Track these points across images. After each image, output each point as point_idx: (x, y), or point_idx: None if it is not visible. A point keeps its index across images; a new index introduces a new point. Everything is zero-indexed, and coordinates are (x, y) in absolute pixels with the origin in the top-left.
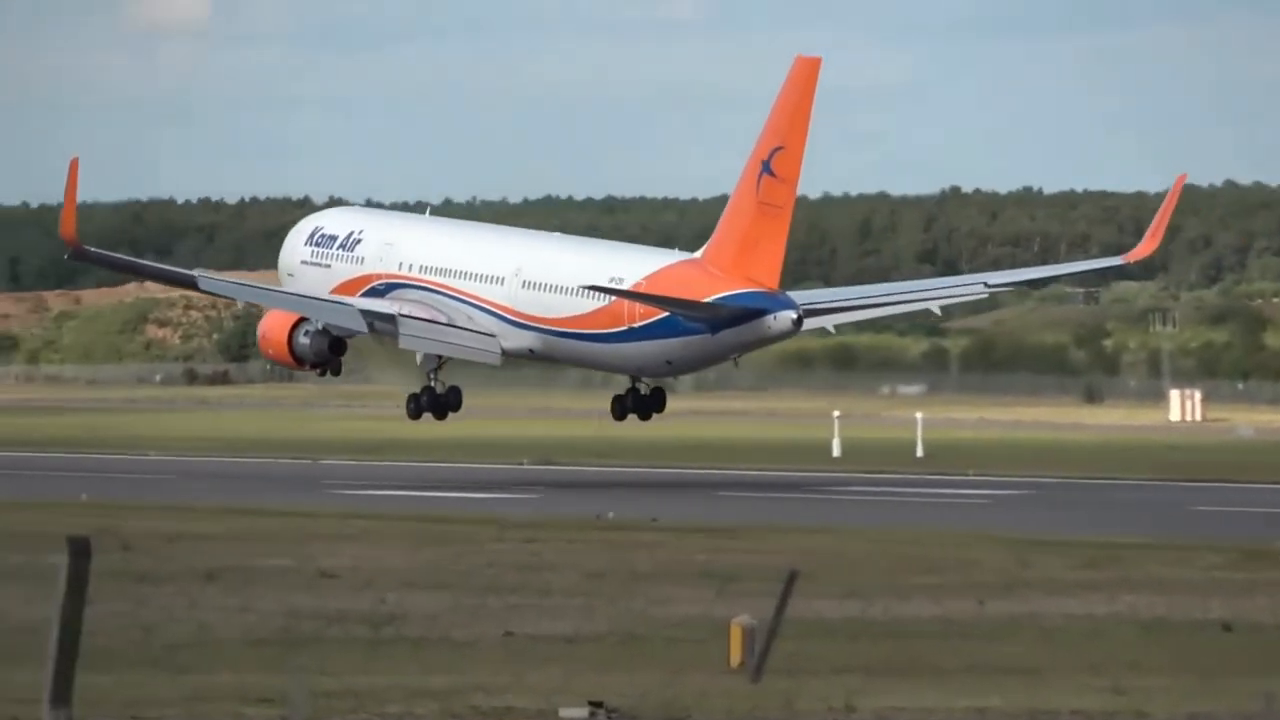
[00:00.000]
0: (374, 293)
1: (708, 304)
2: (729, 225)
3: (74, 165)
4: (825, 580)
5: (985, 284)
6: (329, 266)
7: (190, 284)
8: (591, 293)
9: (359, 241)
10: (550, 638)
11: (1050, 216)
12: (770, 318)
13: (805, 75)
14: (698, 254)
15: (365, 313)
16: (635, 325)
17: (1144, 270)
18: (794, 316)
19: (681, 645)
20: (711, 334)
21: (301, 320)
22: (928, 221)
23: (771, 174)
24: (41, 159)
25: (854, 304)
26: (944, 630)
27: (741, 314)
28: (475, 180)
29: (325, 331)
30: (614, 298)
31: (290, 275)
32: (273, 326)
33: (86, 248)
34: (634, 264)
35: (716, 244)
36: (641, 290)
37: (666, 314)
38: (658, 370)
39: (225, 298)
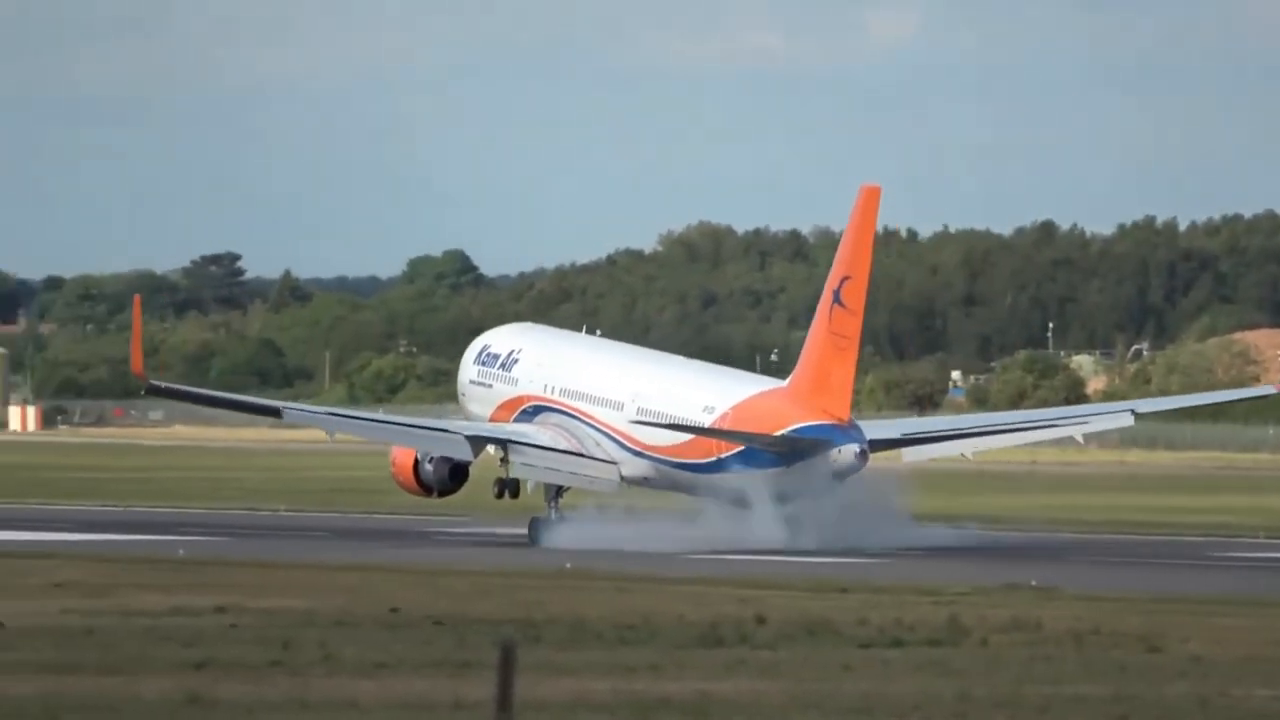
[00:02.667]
0: (525, 415)
1: (753, 435)
2: (807, 355)
3: (138, 303)
4: None
5: (1134, 411)
6: (491, 386)
7: (274, 414)
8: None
9: (516, 361)
10: None
11: None
12: (836, 450)
13: (868, 204)
14: (784, 382)
15: (474, 439)
16: (722, 456)
17: None
18: (857, 449)
19: None
20: (786, 467)
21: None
22: None
23: (841, 304)
24: None
25: (997, 429)
26: None
27: (809, 446)
28: None
29: (447, 459)
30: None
31: (463, 395)
32: (400, 452)
33: (158, 383)
34: (727, 393)
35: (798, 373)
36: (727, 420)
37: (744, 446)
38: (743, 502)
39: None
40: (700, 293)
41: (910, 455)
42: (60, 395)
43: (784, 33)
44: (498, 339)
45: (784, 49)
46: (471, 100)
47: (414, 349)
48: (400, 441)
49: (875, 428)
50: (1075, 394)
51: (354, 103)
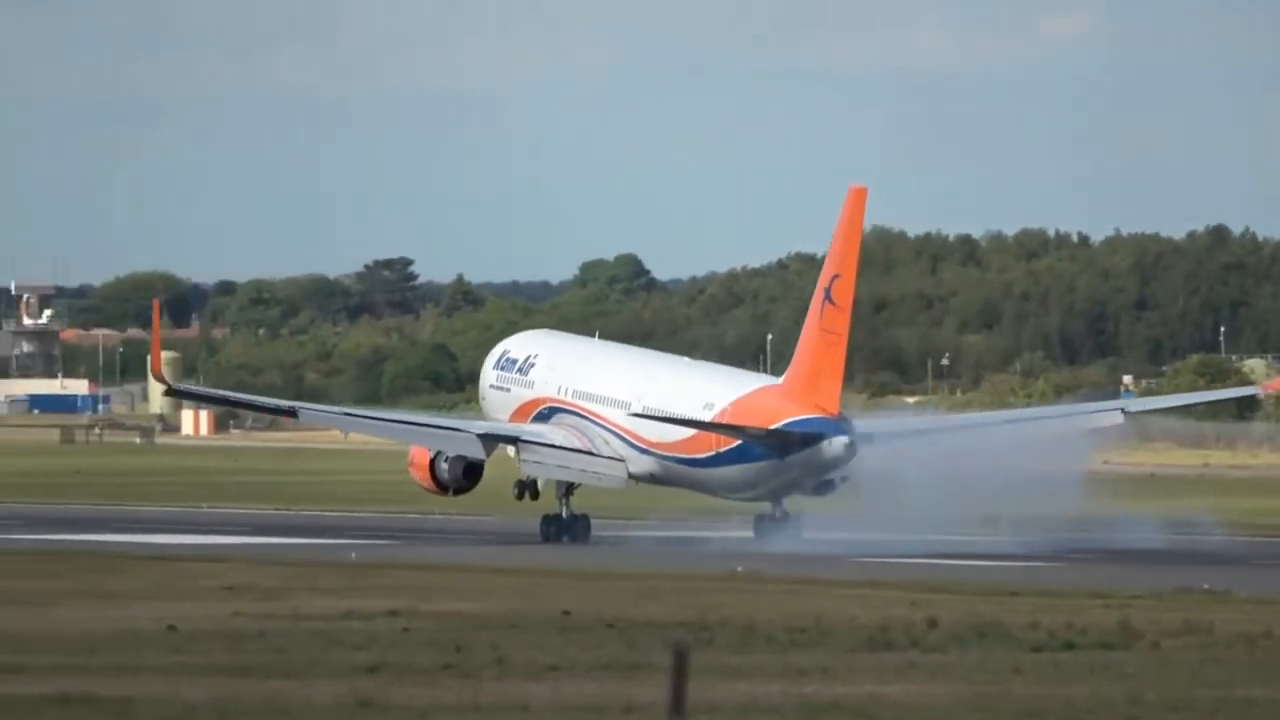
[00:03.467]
0: (540, 417)
1: (743, 429)
2: (800, 352)
3: (156, 307)
4: None
5: (1124, 410)
6: (508, 390)
7: (290, 415)
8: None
9: (532, 365)
10: None
11: None
12: (826, 443)
13: (856, 204)
14: (780, 379)
15: (485, 438)
16: (720, 450)
17: None
18: (846, 441)
19: None
20: (781, 459)
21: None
22: None
23: (831, 302)
24: None
25: (983, 427)
26: None
27: (803, 439)
28: None
29: (461, 458)
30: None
31: (484, 399)
32: (418, 452)
33: (178, 385)
34: (726, 390)
35: (792, 370)
36: (727, 416)
37: (741, 441)
38: (745, 493)
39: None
40: (871, 296)
41: (910, 453)
42: None
43: (952, 35)
44: (515, 345)
45: (953, 51)
46: (644, 103)
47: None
48: (414, 441)
49: (870, 424)
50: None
51: (527, 107)
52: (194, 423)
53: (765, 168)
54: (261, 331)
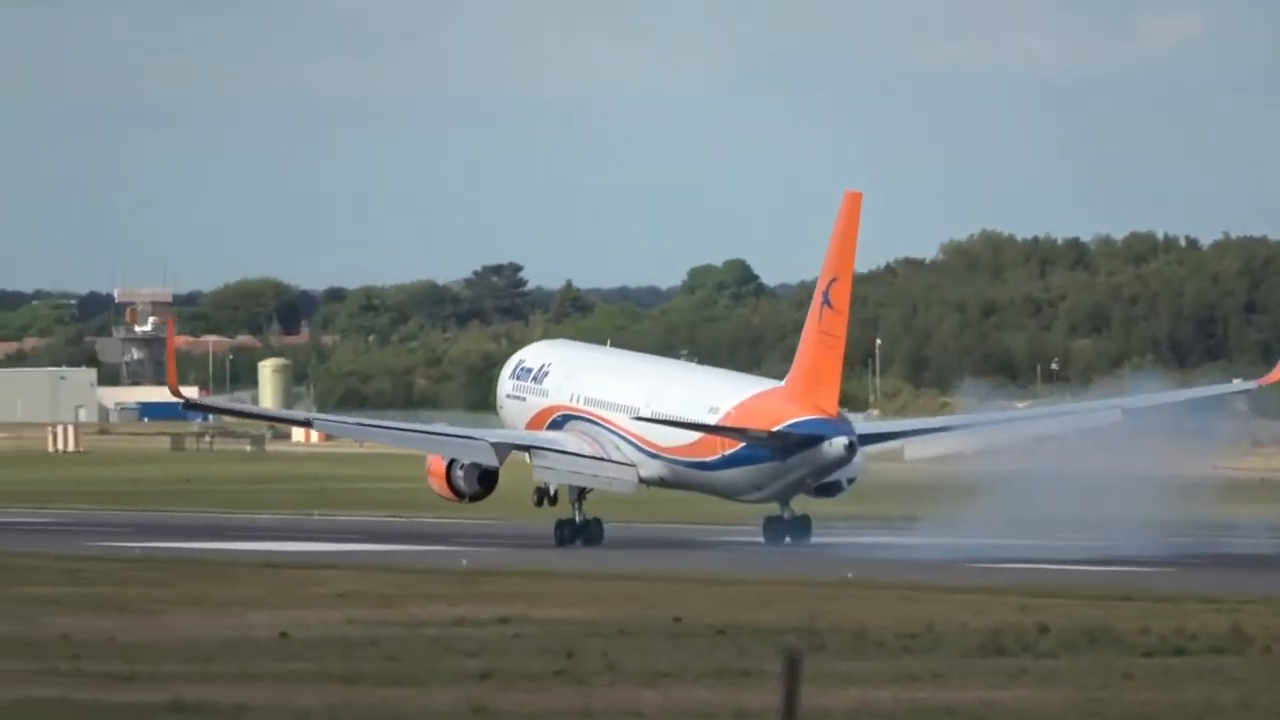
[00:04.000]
0: (555, 424)
1: (745, 431)
2: (800, 354)
3: (170, 324)
4: None
5: (1122, 409)
6: (524, 400)
7: (305, 425)
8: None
9: (547, 374)
10: None
11: None
12: (826, 443)
13: (851, 209)
14: (781, 382)
15: (498, 445)
16: (726, 453)
17: None
18: (846, 442)
19: None
20: (783, 460)
21: (457, 457)
22: None
23: (829, 305)
24: None
25: (979, 425)
26: None
27: (803, 440)
28: None
29: (476, 465)
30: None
31: (501, 408)
32: (435, 462)
33: (193, 399)
34: (730, 393)
35: (793, 373)
36: (730, 419)
37: (745, 443)
38: (753, 495)
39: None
40: (980, 301)
41: (912, 452)
42: (343, 406)
43: (1061, 39)
44: (530, 355)
45: (1059, 54)
46: (751, 108)
47: (695, 359)
48: (429, 449)
49: (871, 425)
50: None
51: (636, 113)
52: (304, 430)
53: (876, 173)
54: (371, 338)
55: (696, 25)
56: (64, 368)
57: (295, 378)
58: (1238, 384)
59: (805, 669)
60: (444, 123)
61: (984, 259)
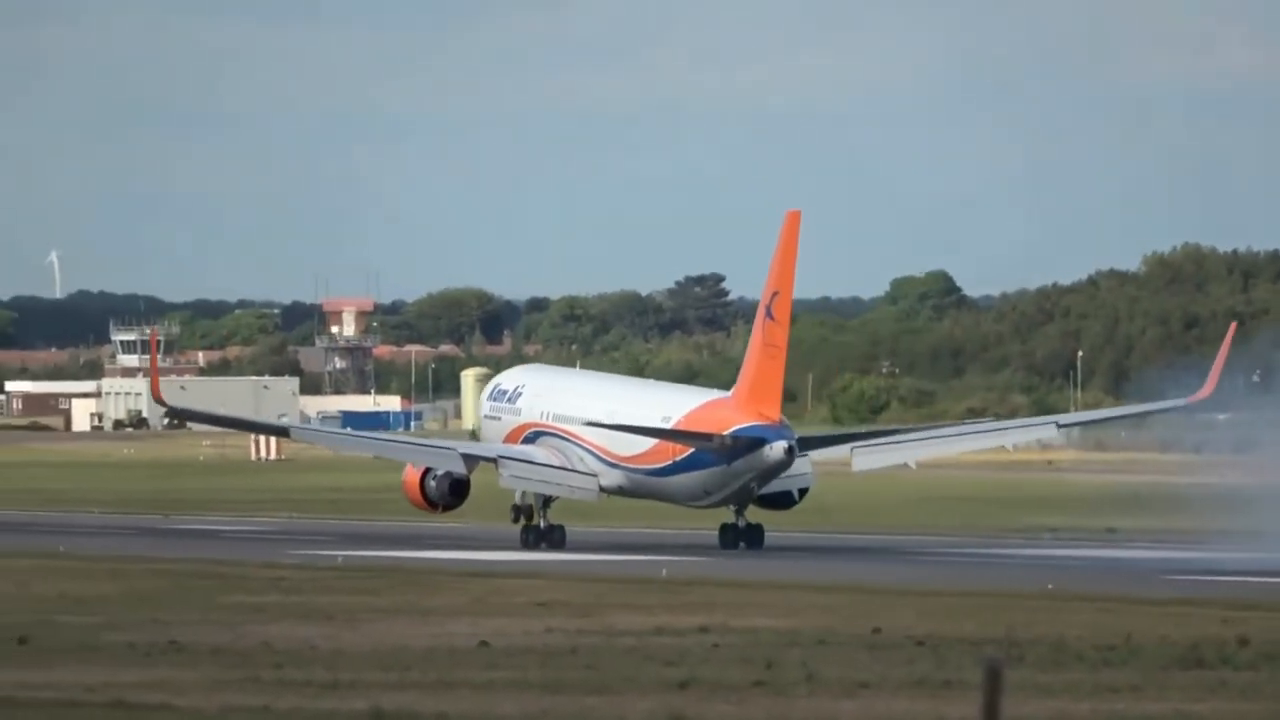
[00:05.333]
0: (527, 440)
1: (689, 433)
2: (746, 364)
3: (154, 334)
4: None
5: (1057, 424)
6: (499, 419)
7: (283, 434)
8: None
9: (520, 395)
10: None
11: None
12: (768, 447)
13: (791, 227)
14: (729, 393)
15: (466, 456)
16: (677, 459)
17: None
18: (785, 445)
19: None
20: (729, 464)
21: (431, 466)
22: None
23: (771, 317)
24: None
25: (925, 439)
26: None
27: (747, 444)
28: None
29: (448, 475)
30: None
31: (480, 429)
32: (409, 472)
33: (176, 406)
34: (680, 403)
35: (739, 382)
36: (680, 426)
37: (694, 449)
38: (702, 500)
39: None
40: (1183, 314)
41: (859, 463)
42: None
43: (1260, 49)
44: (506, 378)
45: (1261, 66)
46: (956, 120)
47: (896, 370)
48: (401, 457)
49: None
50: None
51: (838, 124)
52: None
53: (1078, 184)
54: (574, 348)
55: (902, 35)
56: (267, 376)
57: None
58: (1170, 403)
59: (1005, 680)
60: (650, 133)
61: (1186, 271)
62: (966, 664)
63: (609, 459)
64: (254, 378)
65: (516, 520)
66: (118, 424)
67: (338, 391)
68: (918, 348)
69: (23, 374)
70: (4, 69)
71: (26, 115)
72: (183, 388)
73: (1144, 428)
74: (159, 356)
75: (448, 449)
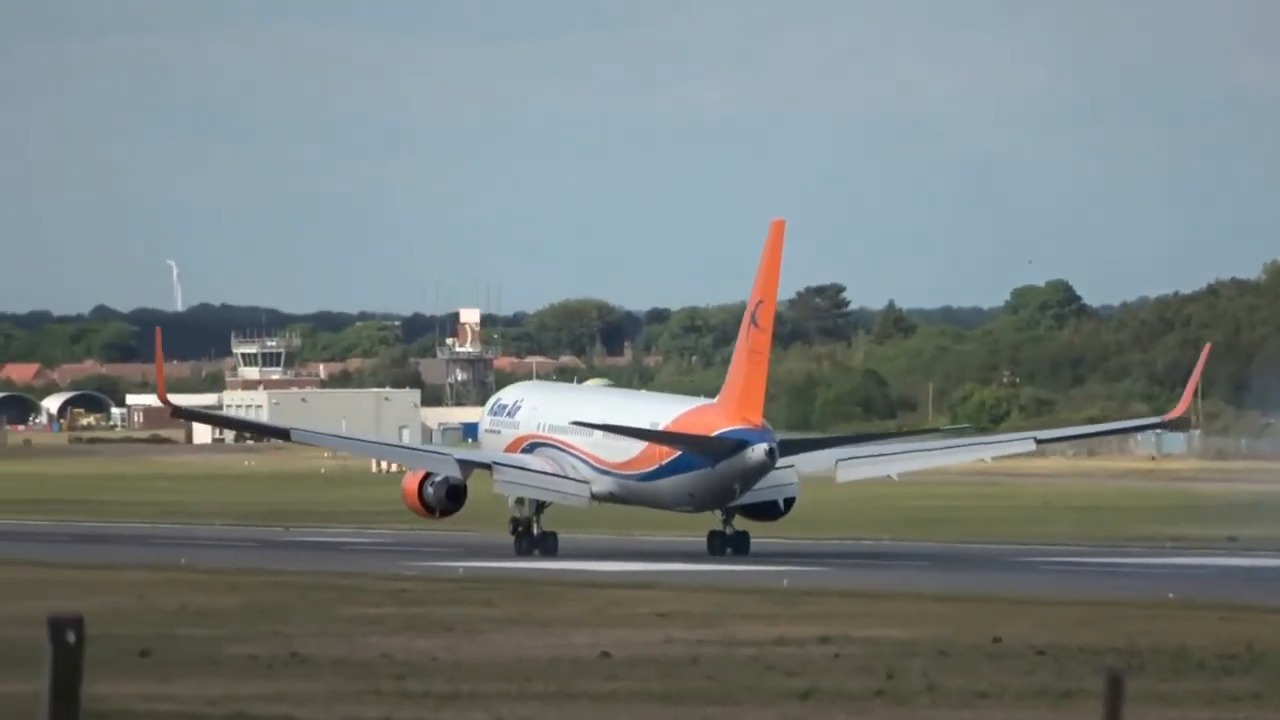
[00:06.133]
0: (526, 450)
1: (674, 435)
2: (731, 371)
3: (159, 334)
4: None
5: (1035, 439)
6: (499, 433)
7: (283, 436)
8: (609, 430)
9: (519, 409)
10: None
11: None
12: (750, 449)
13: (775, 236)
14: (714, 399)
15: (462, 462)
16: (663, 463)
17: None
18: (766, 448)
19: None
20: (712, 467)
21: (430, 473)
22: None
23: (756, 325)
24: None
25: (907, 451)
26: None
27: (731, 447)
28: None
29: (445, 480)
30: (647, 443)
31: (481, 443)
32: (409, 478)
33: (180, 407)
34: (668, 410)
35: (725, 388)
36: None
37: (680, 452)
38: (688, 504)
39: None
40: None
41: (843, 475)
42: None
43: None
44: (507, 394)
45: None
46: (1074, 129)
47: (1017, 379)
48: (398, 461)
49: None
50: None
51: (956, 132)
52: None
53: (1197, 193)
54: (694, 359)
55: (1023, 45)
56: (388, 389)
57: None
58: (1147, 420)
59: (1126, 689)
60: (766, 143)
61: None
62: (1087, 673)
63: (600, 466)
64: (375, 390)
65: (514, 532)
66: (239, 436)
67: (459, 403)
68: (1038, 357)
69: (143, 387)
70: (123, 80)
71: (147, 128)
72: (303, 400)
73: (1266, 436)
74: (282, 368)
75: (444, 455)
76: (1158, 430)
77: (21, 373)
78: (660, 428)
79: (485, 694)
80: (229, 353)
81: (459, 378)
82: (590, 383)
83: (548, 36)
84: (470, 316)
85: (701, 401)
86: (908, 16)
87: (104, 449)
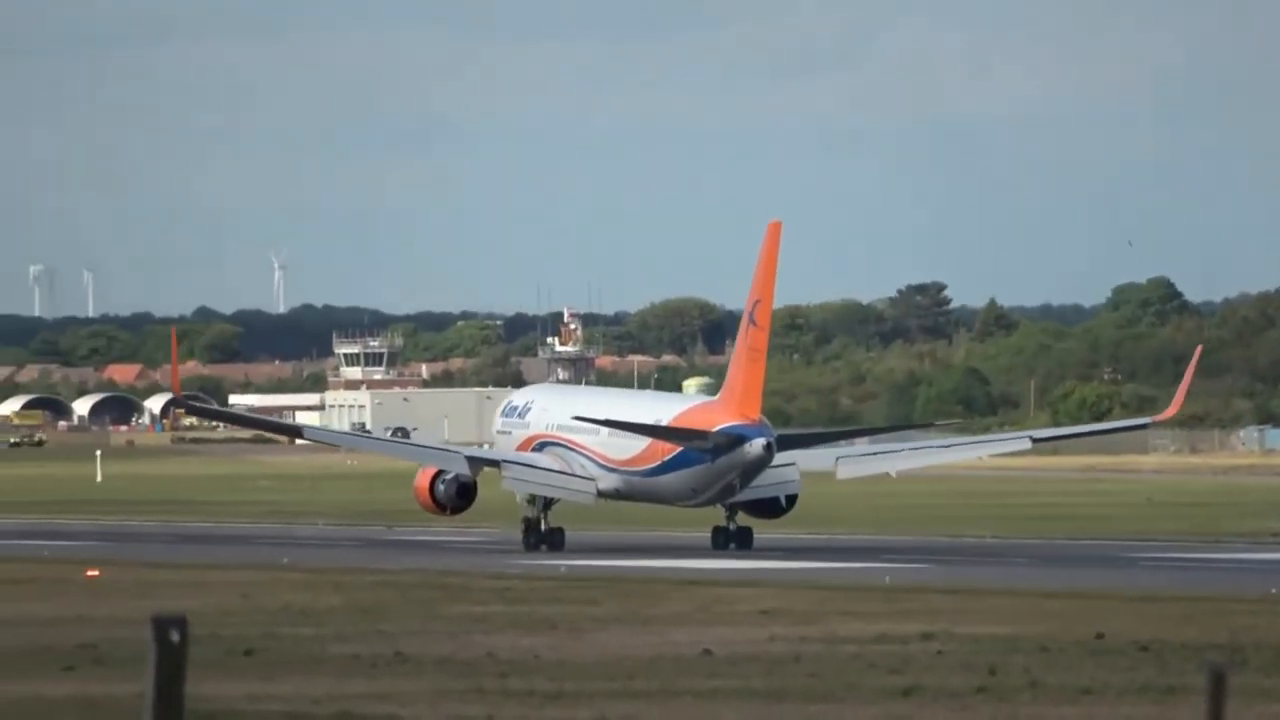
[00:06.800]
0: (537, 448)
1: (674, 430)
2: (732, 368)
3: (174, 332)
4: None
5: (1031, 439)
6: (511, 433)
7: (295, 433)
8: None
9: (530, 410)
10: None
11: None
12: (748, 444)
13: (772, 237)
14: (715, 397)
15: (471, 460)
16: (666, 459)
17: None
18: (764, 443)
19: None
20: (712, 461)
21: (441, 471)
22: None
23: (754, 323)
24: None
25: (905, 449)
26: None
27: (729, 442)
28: None
29: (456, 478)
30: (651, 439)
31: (495, 444)
32: (421, 476)
33: (193, 404)
34: (671, 408)
35: (725, 387)
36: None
37: (682, 448)
38: (690, 499)
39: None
40: None
41: (843, 473)
42: None
43: None
44: (518, 396)
45: None
46: (1170, 122)
47: (1118, 376)
48: (409, 459)
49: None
50: None
51: (1054, 131)
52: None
53: None
54: (795, 357)
55: (1125, 42)
56: (490, 388)
57: (712, 395)
58: (1136, 420)
59: (1229, 685)
60: (870, 144)
61: None
62: (1190, 669)
63: (606, 464)
64: (477, 389)
65: (526, 532)
66: None
67: None
68: (1140, 354)
69: (246, 387)
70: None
71: (248, 131)
72: (406, 399)
73: None
74: (384, 368)
75: (454, 453)
76: (1261, 427)
77: (124, 374)
78: (664, 423)
79: (588, 692)
80: (331, 353)
81: (561, 377)
82: (690, 382)
83: (658, 33)
84: (572, 316)
85: (704, 399)
86: (1008, 15)
87: (207, 449)
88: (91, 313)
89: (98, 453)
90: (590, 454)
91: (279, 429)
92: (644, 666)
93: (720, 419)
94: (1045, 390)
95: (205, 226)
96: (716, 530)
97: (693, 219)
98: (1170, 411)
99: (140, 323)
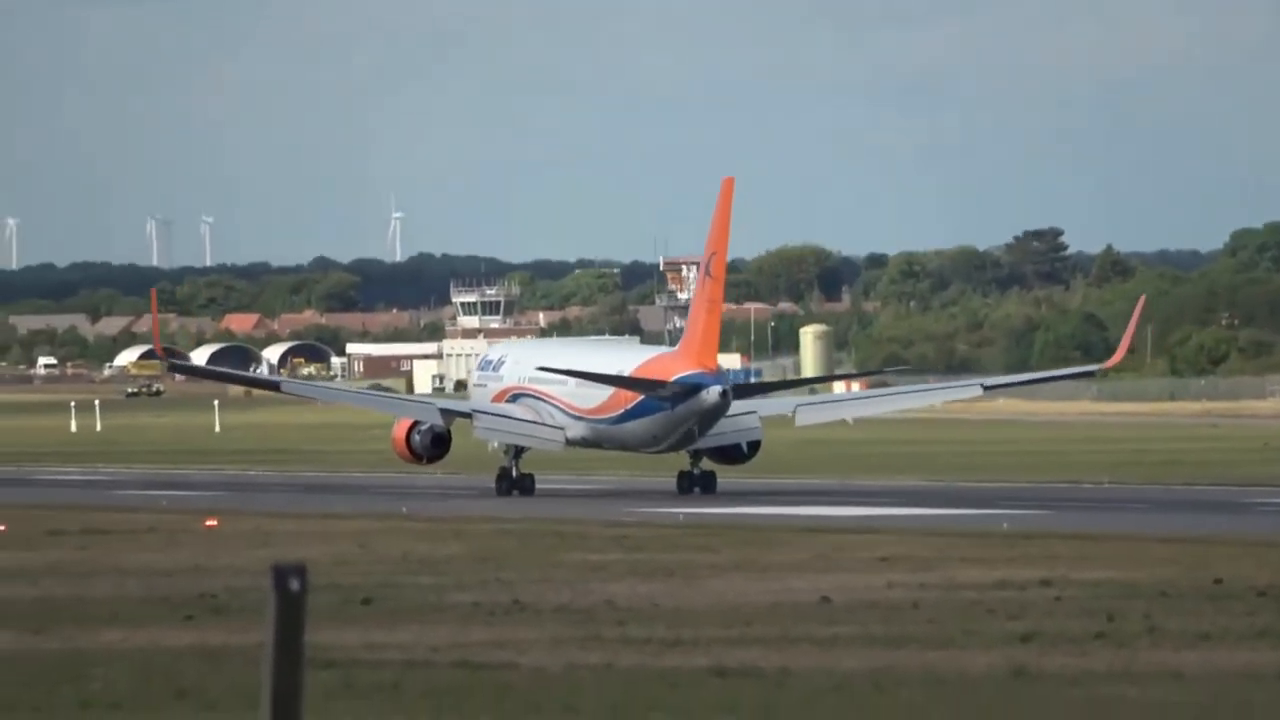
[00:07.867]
0: (511, 400)
1: (635, 380)
2: (690, 320)
3: (154, 294)
4: None
5: (982, 385)
6: (485, 386)
7: (274, 388)
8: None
9: (503, 364)
10: None
11: None
12: (705, 391)
13: (725, 193)
14: (676, 348)
15: (444, 411)
16: (628, 408)
17: None
18: (720, 390)
19: None
20: (672, 409)
21: (417, 422)
22: None
23: (709, 275)
24: None
25: (859, 398)
26: None
27: (686, 390)
28: None
29: (430, 429)
30: (614, 388)
31: (471, 396)
32: (398, 427)
33: (176, 361)
34: (633, 358)
35: (684, 337)
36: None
37: (643, 397)
38: (653, 445)
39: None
40: None
41: (801, 419)
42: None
43: None
44: (493, 351)
45: None
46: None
47: (1235, 321)
48: (383, 410)
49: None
50: None
51: (1169, 81)
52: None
53: None
54: (912, 304)
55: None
56: (607, 336)
57: (836, 344)
58: (1082, 368)
59: None
60: (985, 91)
61: None
62: None
63: (574, 413)
64: (595, 337)
65: (500, 479)
66: (459, 385)
67: None
68: (1257, 299)
69: (364, 337)
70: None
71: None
72: None
73: None
74: (501, 317)
75: (427, 404)
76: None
77: (242, 323)
78: (626, 373)
79: (706, 640)
80: (448, 302)
81: (677, 324)
82: (806, 329)
83: None
84: (689, 264)
85: (664, 350)
86: None
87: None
88: (209, 262)
89: (215, 402)
90: (559, 404)
91: (257, 383)
92: (762, 614)
93: (679, 368)
94: (1163, 335)
95: (322, 177)
96: (682, 475)
97: (809, 167)
98: (1115, 359)
99: (257, 272)
